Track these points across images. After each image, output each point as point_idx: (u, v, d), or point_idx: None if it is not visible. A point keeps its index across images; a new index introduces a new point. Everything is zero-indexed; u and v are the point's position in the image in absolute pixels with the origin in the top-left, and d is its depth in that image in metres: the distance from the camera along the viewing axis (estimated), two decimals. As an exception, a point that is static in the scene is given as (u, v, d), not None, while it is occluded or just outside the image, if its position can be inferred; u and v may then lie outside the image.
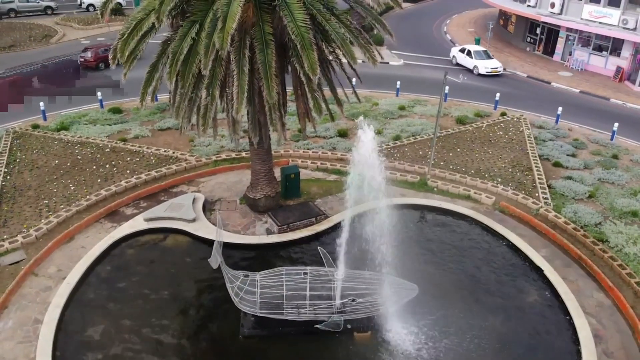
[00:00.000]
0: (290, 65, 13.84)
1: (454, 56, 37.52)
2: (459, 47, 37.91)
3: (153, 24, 12.52)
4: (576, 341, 12.49)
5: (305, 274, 12.57)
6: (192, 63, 12.48)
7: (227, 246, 13.00)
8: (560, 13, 36.96)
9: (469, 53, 35.94)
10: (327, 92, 15.29)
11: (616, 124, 24.45)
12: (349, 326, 12.41)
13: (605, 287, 14.42)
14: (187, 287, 14.22)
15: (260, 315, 12.19)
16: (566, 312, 13.39)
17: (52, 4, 48.86)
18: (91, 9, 50.58)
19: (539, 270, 14.82)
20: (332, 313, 12.26)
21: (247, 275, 12.57)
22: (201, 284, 14.35)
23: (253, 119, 14.25)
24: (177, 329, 12.84)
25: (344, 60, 14.88)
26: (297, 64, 12.79)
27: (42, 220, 16.15)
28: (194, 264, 14.97)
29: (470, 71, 35.14)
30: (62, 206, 16.93)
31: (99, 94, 25.89)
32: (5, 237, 15.41)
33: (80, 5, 50.97)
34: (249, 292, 12.22)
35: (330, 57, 15.01)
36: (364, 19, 16.02)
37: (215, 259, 12.02)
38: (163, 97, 26.25)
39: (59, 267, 14.54)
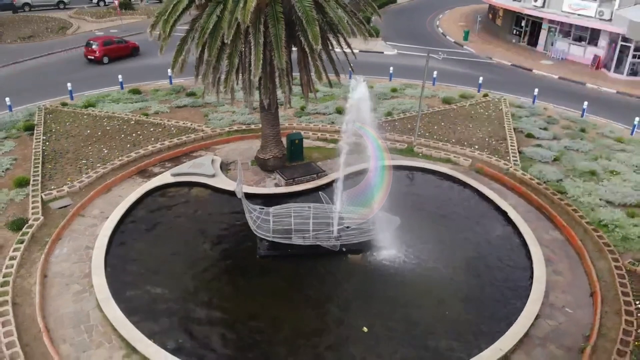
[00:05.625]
0: (296, 40, 16.57)
1: None
2: None
3: (186, 5, 15.32)
4: (531, 264, 15.27)
5: (309, 208, 15.38)
6: (217, 36, 15.26)
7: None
8: (543, 6, 39.74)
9: None
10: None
11: (586, 102, 27.29)
12: (344, 249, 15.20)
13: (559, 226, 17.21)
14: (211, 223, 17.04)
15: (273, 240, 14.96)
16: (525, 244, 16.17)
17: (64, -3, 51.59)
18: (102, 3, 53.45)
19: (504, 214, 17.60)
20: (331, 238, 15.04)
21: (263, 209, 15.39)
22: (223, 220, 17.17)
23: (265, 84, 16.98)
24: (205, 250, 15.68)
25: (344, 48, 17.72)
26: (302, 37, 15.60)
27: (83, 175, 18.88)
28: (216, 207, 17.80)
29: None
30: (98, 165, 19.67)
31: (119, 76, 28.64)
32: (52, 187, 18.14)
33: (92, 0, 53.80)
34: (264, 221, 15.02)
35: (330, 36, 17.74)
36: (358, 4, 18.72)
37: (239, 191, 14.77)
38: (177, 82, 29.07)
39: (102, 210, 17.29)
